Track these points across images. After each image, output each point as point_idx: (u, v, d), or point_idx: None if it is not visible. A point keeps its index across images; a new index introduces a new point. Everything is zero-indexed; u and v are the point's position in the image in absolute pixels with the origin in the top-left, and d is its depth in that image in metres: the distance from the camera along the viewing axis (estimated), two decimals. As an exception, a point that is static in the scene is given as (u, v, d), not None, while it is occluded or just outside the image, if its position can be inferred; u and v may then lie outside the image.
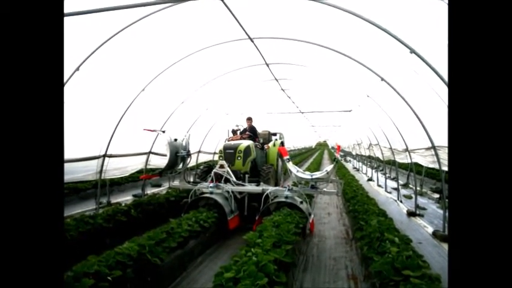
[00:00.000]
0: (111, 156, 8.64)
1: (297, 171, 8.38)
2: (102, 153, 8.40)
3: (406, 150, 10.75)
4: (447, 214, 8.02)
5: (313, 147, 78.75)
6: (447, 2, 4.71)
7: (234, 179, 8.83)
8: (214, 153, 15.84)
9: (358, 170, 27.81)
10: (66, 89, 6.19)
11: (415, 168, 11.91)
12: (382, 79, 8.54)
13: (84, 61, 6.53)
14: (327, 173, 8.08)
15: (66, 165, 6.72)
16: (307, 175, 8.31)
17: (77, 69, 6.48)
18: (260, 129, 12.30)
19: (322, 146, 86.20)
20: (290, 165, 8.48)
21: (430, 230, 8.48)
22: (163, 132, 9.39)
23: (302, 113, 20.74)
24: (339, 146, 9.20)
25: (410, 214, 10.29)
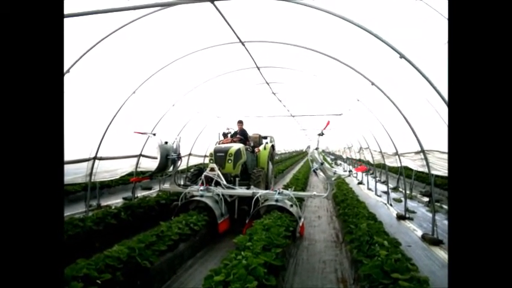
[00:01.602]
0: (101, 158, 8.60)
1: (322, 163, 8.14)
2: (92, 155, 8.36)
3: (396, 154, 10.82)
4: (436, 217, 8.10)
5: (304, 150, 78.85)
6: (445, 15, 4.79)
7: (225, 182, 8.84)
8: (205, 156, 15.79)
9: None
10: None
11: (404, 172, 11.99)
12: (373, 83, 8.60)
13: (74, 64, 6.51)
14: (334, 172, 8.08)
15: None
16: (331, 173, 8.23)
17: (67, 71, 6.46)
18: (251, 132, 12.30)
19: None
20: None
21: (419, 233, 8.54)
22: (154, 135, 9.37)
23: (293, 116, 20.78)
24: (364, 167, 8.54)
25: (400, 217, 10.35)
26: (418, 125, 8.13)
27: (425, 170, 8.33)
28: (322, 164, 8.00)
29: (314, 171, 8.14)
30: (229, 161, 9.53)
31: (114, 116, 8.50)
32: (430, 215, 8.69)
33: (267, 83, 12.56)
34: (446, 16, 4.52)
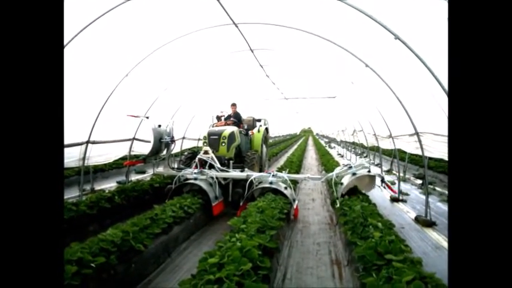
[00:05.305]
0: (94, 142, 8.53)
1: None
2: (85, 139, 8.29)
3: (390, 136, 10.84)
4: (429, 199, 8.15)
5: (298, 133, 79.13)
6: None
7: (219, 165, 8.83)
8: (199, 139, 15.76)
9: (342, 156, 27.98)
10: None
11: (398, 155, 12.03)
12: (367, 65, 8.55)
13: (65, 46, 6.38)
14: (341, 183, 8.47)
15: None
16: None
17: (58, 53, 6.34)
18: (245, 115, 12.26)
19: (307, 132, 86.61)
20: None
21: (413, 215, 8.60)
22: (147, 118, 9.30)
23: (286, 99, 20.74)
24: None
25: (394, 200, 10.41)
26: (412, 107, 8.12)
27: (419, 152, 8.35)
28: (354, 174, 8.31)
29: (347, 165, 8.77)
30: (223, 144, 9.50)
31: (107, 99, 8.39)
32: (423, 197, 8.75)
33: (261, 66, 12.48)
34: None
